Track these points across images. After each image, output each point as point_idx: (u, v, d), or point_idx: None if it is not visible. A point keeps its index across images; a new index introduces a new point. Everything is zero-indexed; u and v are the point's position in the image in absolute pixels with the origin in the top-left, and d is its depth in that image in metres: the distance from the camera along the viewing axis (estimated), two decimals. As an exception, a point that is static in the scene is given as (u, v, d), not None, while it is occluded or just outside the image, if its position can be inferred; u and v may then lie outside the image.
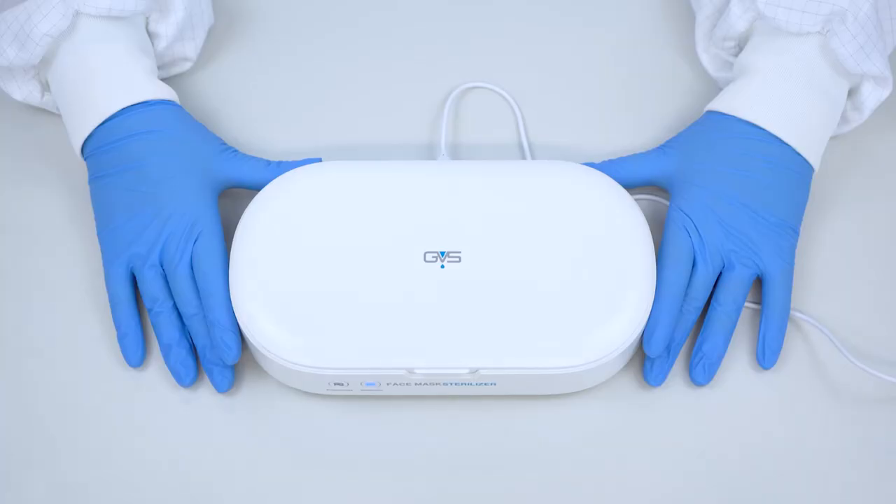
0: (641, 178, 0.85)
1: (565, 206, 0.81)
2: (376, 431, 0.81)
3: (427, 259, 0.79)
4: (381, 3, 0.95)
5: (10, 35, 0.83)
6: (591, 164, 0.85)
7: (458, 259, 0.79)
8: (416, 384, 0.79)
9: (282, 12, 0.95)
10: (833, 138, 0.87)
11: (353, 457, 0.80)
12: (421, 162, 0.87)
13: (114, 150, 0.82)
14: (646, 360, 0.81)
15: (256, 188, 0.84)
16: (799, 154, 0.82)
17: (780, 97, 0.82)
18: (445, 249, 0.80)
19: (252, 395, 0.82)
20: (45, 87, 0.87)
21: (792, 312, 0.82)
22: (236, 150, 0.85)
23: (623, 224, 0.81)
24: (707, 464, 0.79)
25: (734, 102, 0.83)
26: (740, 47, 0.87)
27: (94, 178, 0.83)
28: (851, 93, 0.85)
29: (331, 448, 0.80)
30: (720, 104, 0.84)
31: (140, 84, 0.84)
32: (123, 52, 0.84)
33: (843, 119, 0.86)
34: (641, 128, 0.90)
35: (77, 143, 0.84)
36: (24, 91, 0.87)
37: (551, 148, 0.89)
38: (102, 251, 0.82)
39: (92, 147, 0.83)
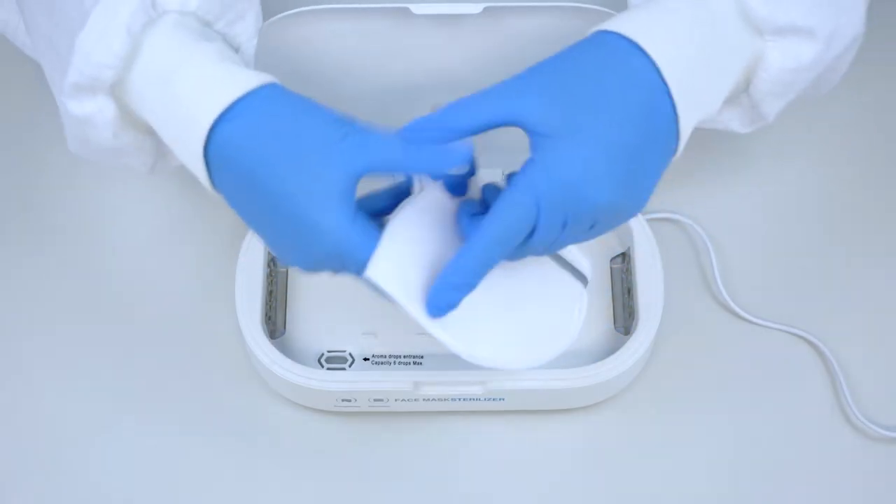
0: (481, 127, 0.66)
1: None
2: (385, 447, 0.80)
3: None
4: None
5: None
6: None
7: None
8: (423, 400, 0.78)
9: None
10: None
11: (362, 473, 0.80)
12: None
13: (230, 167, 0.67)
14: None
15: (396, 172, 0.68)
16: (677, 127, 0.66)
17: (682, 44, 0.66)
18: None
19: (260, 412, 0.81)
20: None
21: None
22: (358, 128, 0.66)
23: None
24: (718, 476, 0.79)
25: (634, 26, 0.66)
26: None
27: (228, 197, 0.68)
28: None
29: (339, 464, 0.80)
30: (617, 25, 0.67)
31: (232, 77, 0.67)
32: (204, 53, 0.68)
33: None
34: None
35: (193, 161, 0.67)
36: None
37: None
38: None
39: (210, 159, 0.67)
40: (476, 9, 0.75)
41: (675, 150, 0.67)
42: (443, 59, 0.78)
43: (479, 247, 0.64)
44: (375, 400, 0.78)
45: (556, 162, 0.63)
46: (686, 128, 0.66)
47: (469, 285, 0.65)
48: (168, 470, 0.80)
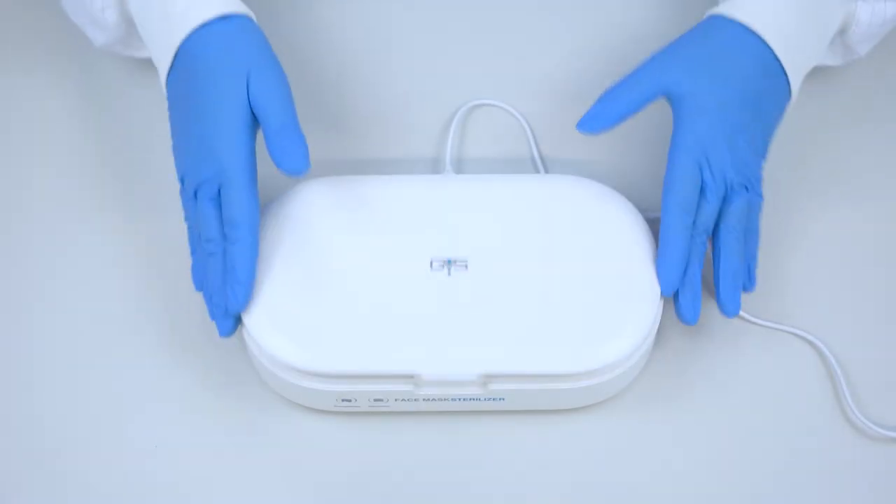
0: (642, 101, 0.82)
1: (570, 218, 0.81)
2: (385, 447, 0.80)
3: (434, 267, 0.79)
4: (389, 19, 0.95)
5: None
6: (590, 118, 0.82)
7: (464, 267, 0.79)
8: (423, 399, 0.78)
9: (287, 27, 0.95)
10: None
11: (362, 473, 0.80)
12: (426, 175, 0.87)
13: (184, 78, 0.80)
14: (675, 302, 0.79)
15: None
16: (788, 81, 0.82)
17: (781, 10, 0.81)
18: (452, 258, 0.79)
19: (260, 412, 0.81)
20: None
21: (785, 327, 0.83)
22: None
23: (628, 236, 0.80)
24: (718, 476, 0.79)
25: (743, 9, 0.81)
26: None
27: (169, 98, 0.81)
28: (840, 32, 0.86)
29: (339, 464, 0.80)
30: (728, 8, 0.82)
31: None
32: None
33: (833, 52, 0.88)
34: (652, 141, 0.89)
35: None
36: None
37: (561, 162, 0.89)
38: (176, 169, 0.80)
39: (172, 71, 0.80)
40: None
41: (790, 96, 0.82)
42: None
43: (669, 218, 0.79)
44: (375, 400, 0.78)
45: (701, 120, 0.79)
46: (795, 80, 0.82)
47: (683, 259, 0.79)
48: (168, 469, 0.80)
